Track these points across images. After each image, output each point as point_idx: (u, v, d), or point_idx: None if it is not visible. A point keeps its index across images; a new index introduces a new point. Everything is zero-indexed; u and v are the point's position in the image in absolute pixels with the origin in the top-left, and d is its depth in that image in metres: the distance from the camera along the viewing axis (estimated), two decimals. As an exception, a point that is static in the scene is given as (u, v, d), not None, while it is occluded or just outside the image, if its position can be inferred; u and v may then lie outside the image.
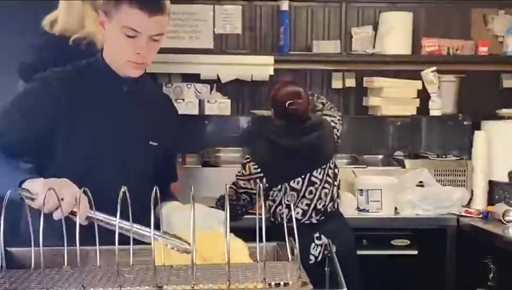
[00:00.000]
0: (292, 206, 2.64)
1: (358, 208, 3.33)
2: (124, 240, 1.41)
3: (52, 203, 1.49)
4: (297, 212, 2.85)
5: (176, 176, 2.22)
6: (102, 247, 1.38)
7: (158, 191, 1.36)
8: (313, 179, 2.86)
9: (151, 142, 1.96)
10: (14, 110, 1.82)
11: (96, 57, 1.94)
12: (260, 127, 3.43)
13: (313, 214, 2.86)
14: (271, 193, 2.87)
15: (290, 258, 1.37)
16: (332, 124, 3.04)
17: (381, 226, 3.28)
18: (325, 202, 2.89)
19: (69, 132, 1.83)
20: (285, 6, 3.86)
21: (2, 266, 1.24)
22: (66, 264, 1.35)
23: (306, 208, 2.85)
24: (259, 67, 3.76)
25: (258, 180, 2.84)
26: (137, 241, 1.48)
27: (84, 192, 1.40)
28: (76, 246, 1.27)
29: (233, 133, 3.96)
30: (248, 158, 2.94)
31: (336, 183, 2.96)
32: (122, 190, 1.30)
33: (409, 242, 3.25)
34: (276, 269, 1.33)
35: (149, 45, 1.81)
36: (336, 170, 2.98)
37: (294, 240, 1.30)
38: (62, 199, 1.49)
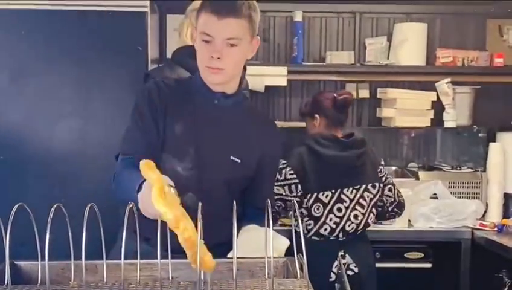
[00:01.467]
0: (299, 219, 2.60)
1: (371, 220, 3.30)
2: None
3: None
4: (326, 229, 2.79)
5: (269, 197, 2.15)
6: (109, 261, 1.37)
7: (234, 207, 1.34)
8: (342, 196, 2.80)
9: (232, 158, 1.94)
10: (133, 125, 1.93)
11: (196, 73, 1.97)
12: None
13: (340, 234, 2.79)
14: (305, 201, 2.81)
15: (299, 275, 1.36)
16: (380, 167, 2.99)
17: (394, 239, 3.25)
18: (356, 225, 2.81)
19: (163, 140, 1.90)
20: (298, 17, 3.85)
21: (7, 283, 1.24)
22: (72, 280, 1.34)
23: (334, 226, 2.78)
24: (273, 77, 3.74)
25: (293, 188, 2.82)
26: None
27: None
28: (82, 260, 1.26)
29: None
30: (284, 163, 2.83)
31: (372, 210, 2.87)
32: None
33: (422, 255, 3.22)
34: (284, 286, 1.32)
35: (225, 49, 1.82)
36: (378, 199, 2.90)
37: (303, 254, 1.29)
38: None
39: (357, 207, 2.81)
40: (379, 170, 2.93)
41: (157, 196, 1.27)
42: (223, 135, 1.95)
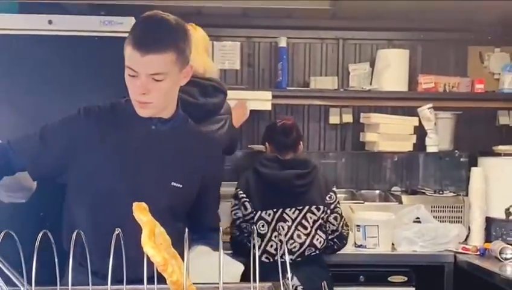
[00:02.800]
0: (256, 242, 2.67)
1: (355, 243, 3.31)
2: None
3: None
4: (272, 245, 2.95)
5: (215, 220, 2.15)
6: (96, 287, 1.38)
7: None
8: (284, 215, 2.96)
9: (173, 183, 1.91)
10: (37, 135, 1.91)
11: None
12: (253, 160, 3.49)
13: (286, 255, 2.80)
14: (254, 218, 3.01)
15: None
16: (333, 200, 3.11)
17: (378, 263, 3.26)
18: (299, 244, 2.95)
19: (87, 168, 1.86)
20: (283, 42, 3.90)
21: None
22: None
23: (279, 243, 2.83)
24: (257, 102, 3.77)
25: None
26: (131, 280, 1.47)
27: (78, 234, 1.38)
28: (69, 286, 1.27)
29: (228, 167, 3.93)
30: (237, 188, 3.08)
31: (317, 232, 3.00)
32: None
33: (406, 279, 3.23)
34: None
35: (150, 84, 1.79)
36: (322, 222, 3.03)
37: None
38: None
39: (300, 227, 2.97)
40: (329, 195, 3.08)
41: (147, 238, 1.29)
42: (163, 161, 1.92)
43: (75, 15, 2.99)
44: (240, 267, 1.79)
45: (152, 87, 1.79)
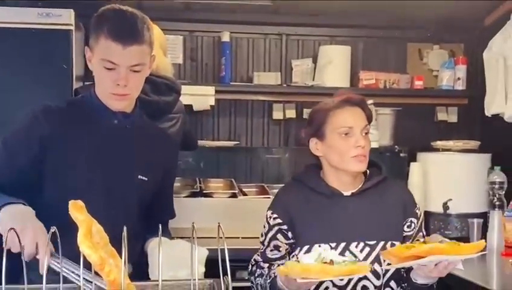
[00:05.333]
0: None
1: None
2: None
3: (15, 247, 1.49)
4: None
5: (173, 213, 2.20)
6: (31, 286, 1.35)
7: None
8: None
9: (140, 177, 1.95)
10: (1, 146, 1.87)
11: (90, 91, 1.95)
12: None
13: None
14: None
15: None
16: None
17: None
18: None
19: (57, 165, 1.85)
20: (226, 37, 3.89)
21: None
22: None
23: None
24: (201, 97, 3.75)
25: None
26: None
27: (53, 232, 1.36)
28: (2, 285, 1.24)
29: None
30: None
31: None
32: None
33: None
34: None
35: (129, 76, 1.82)
36: None
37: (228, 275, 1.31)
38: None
39: None
40: None
41: (83, 237, 1.28)
42: (128, 155, 1.94)
43: (11, 6, 2.91)
44: (205, 252, 1.79)
45: (131, 78, 1.83)
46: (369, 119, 2.22)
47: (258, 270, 2.12)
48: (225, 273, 1.35)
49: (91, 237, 1.29)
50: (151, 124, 2.14)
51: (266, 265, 2.12)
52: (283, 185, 2.40)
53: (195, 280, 1.25)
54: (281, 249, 2.12)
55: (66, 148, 1.87)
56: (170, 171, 2.13)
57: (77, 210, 1.34)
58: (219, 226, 1.32)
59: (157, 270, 1.75)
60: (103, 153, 1.90)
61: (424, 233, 2.26)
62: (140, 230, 1.96)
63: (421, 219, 2.23)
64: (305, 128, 2.26)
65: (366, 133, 2.19)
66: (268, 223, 2.16)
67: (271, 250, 2.13)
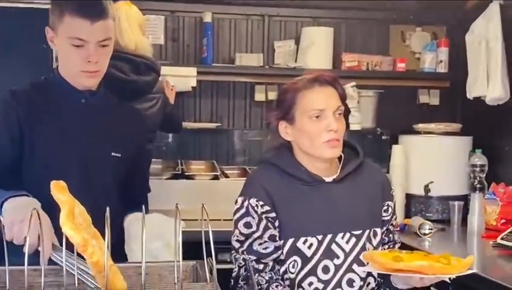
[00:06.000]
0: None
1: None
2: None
3: (18, 239, 1.53)
4: None
5: (147, 188, 2.23)
6: (13, 267, 1.32)
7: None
8: None
9: (113, 154, 1.94)
10: None
11: (53, 72, 1.93)
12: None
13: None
14: None
15: (208, 279, 1.36)
16: None
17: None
18: None
19: (31, 147, 1.83)
20: (208, 18, 3.85)
21: None
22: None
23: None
24: (182, 78, 3.72)
25: None
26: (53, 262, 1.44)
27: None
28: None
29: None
30: None
31: None
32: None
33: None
34: (193, 290, 1.32)
35: (99, 51, 1.81)
36: None
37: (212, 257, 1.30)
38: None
39: None
40: None
41: (65, 218, 1.26)
42: (99, 133, 1.94)
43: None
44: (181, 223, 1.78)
45: (101, 54, 1.83)
46: (343, 98, 2.00)
47: (260, 266, 1.88)
48: (209, 255, 1.34)
49: (73, 218, 1.27)
50: (116, 100, 2.10)
51: (268, 262, 1.89)
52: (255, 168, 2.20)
53: (178, 261, 1.23)
54: (276, 238, 1.89)
55: (39, 130, 1.85)
56: (141, 147, 2.13)
57: (59, 191, 1.31)
58: (203, 207, 1.30)
59: (133, 244, 1.75)
60: (75, 132, 1.89)
61: (396, 215, 2.14)
62: (121, 209, 1.95)
63: (394, 201, 2.11)
64: (273, 111, 2.04)
65: (340, 114, 1.97)
66: (255, 212, 1.89)
67: (265, 242, 1.88)
